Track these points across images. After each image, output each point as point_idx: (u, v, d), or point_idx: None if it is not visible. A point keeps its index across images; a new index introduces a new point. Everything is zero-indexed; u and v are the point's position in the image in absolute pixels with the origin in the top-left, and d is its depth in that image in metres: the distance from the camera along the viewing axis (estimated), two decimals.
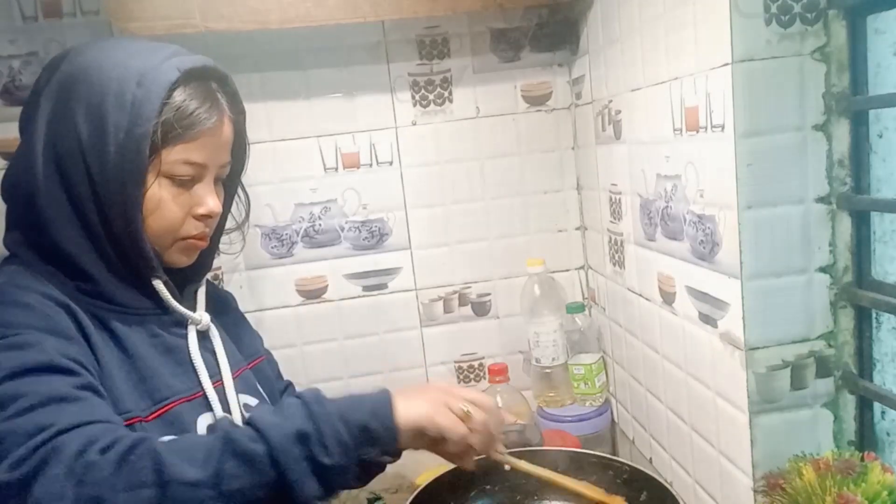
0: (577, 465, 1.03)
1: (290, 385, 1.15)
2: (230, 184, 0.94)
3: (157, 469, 0.64)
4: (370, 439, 0.72)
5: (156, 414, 0.80)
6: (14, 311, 0.74)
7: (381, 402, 0.75)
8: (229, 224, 0.98)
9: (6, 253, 0.84)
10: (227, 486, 0.65)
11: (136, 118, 0.77)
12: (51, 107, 0.80)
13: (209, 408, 0.86)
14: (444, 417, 0.77)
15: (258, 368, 1.02)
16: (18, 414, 0.66)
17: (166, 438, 0.71)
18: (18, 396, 0.66)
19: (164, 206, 0.82)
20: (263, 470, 0.67)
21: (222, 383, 0.89)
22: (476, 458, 0.86)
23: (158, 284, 0.84)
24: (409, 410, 0.75)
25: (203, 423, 0.84)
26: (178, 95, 0.81)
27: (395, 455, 0.79)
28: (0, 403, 0.66)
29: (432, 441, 0.78)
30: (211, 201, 0.86)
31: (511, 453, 1.03)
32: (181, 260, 0.88)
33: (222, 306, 1.01)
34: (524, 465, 0.93)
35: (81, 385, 0.71)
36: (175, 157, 0.81)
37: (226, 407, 0.88)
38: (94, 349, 0.77)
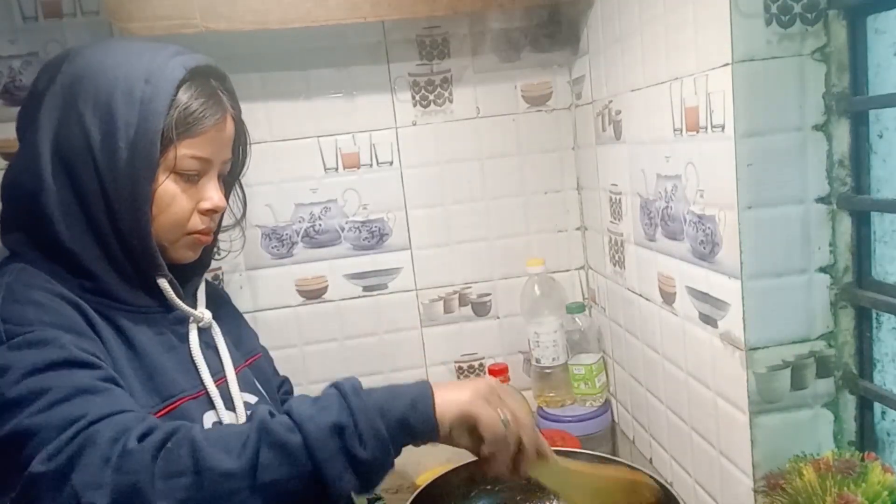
0: None
1: (286, 381, 1.15)
2: (228, 180, 0.95)
3: (195, 457, 0.64)
4: (409, 432, 0.71)
5: (164, 411, 0.80)
6: (26, 308, 0.74)
7: (421, 395, 0.72)
8: (226, 221, 1.00)
9: (6, 252, 0.84)
10: (262, 476, 0.65)
11: (147, 115, 0.79)
12: (56, 107, 0.80)
13: (212, 405, 0.86)
14: (484, 413, 0.73)
15: (256, 365, 1.02)
16: (48, 407, 0.66)
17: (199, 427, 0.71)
18: (45, 391, 0.67)
19: (173, 201, 0.83)
20: (299, 461, 0.67)
21: (225, 380, 0.90)
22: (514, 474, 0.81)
23: (163, 283, 0.85)
24: (449, 403, 0.73)
25: (208, 420, 0.85)
26: (185, 93, 0.82)
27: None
28: (26, 399, 0.67)
29: (471, 437, 0.75)
30: (216, 196, 0.88)
31: None
32: (187, 255, 0.89)
33: (220, 304, 1.02)
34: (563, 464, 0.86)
35: (104, 377, 0.71)
36: (183, 152, 0.82)
37: (229, 405, 0.88)
38: (104, 345, 0.77)
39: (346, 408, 0.69)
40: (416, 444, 0.73)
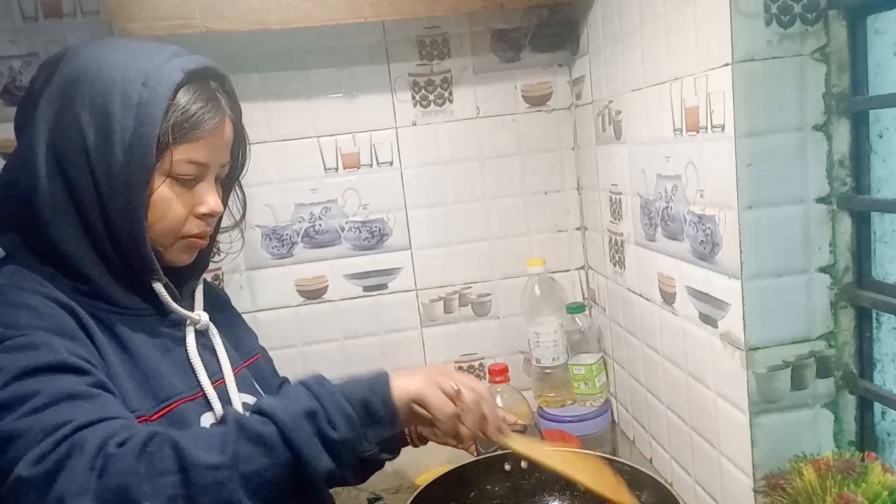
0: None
1: (285, 381, 1.15)
2: (227, 182, 0.94)
3: (178, 456, 0.65)
4: (371, 415, 0.75)
5: (160, 413, 0.80)
6: (18, 312, 0.74)
7: (378, 380, 0.77)
8: (226, 223, 0.99)
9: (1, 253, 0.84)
10: (244, 468, 0.67)
11: (143, 119, 0.78)
12: (51, 108, 0.79)
13: (210, 407, 0.86)
14: (434, 394, 0.79)
15: (255, 366, 1.02)
16: (34, 411, 0.66)
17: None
18: (32, 395, 0.67)
19: (169, 205, 0.82)
20: (277, 450, 0.69)
21: (223, 382, 0.90)
22: (482, 446, 0.87)
23: (158, 287, 0.84)
24: (403, 387, 0.77)
25: (206, 421, 0.84)
26: (183, 96, 0.81)
27: (395, 451, 0.79)
28: (14, 402, 0.66)
29: (427, 421, 0.80)
30: (213, 200, 0.86)
31: (509, 454, 1.03)
32: (182, 258, 0.88)
33: (219, 304, 1.02)
34: (528, 449, 0.90)
35: (93, 383, 0.71)
36: (179, 156, 0.81)
37: (228, 406, 0.88)
38: (98, 349, 0.77)
39: (313, 396, 0.73)
40: (384, 434, 0.78)
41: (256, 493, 0.67)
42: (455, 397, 0.80)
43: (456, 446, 0.88)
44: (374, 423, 0.75)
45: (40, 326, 0.73)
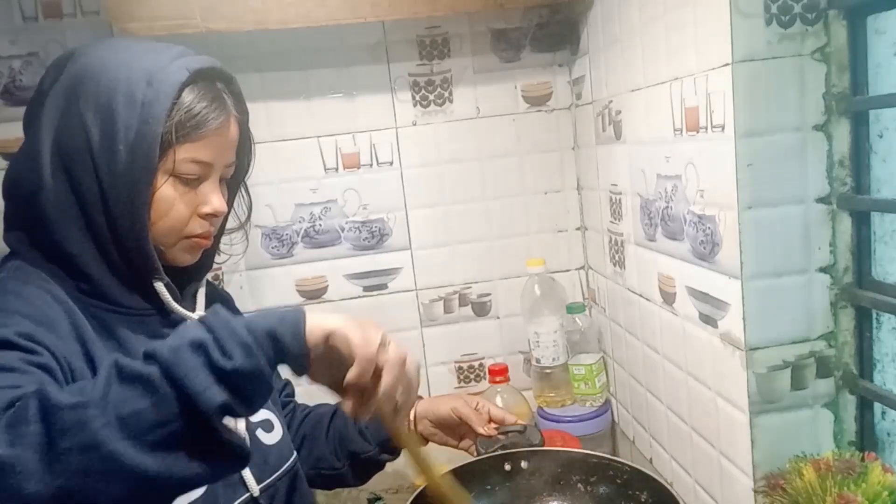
0: (578, 465, 1.03)
1: (288, 384, 1.15)
2: (232, 183, 0.94)
3: (42, 404, 0.59)
4: (277, 344, 0.65)
5: None
6: (8, 297, 0.75)
7: (292, 312, 0.68)
8: (230, 224, 0.99)
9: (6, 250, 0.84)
10: (119, 410, 0.58)
11: (147, 118, 0.78)
12: (57, 106, 0.80)
13: None
14: (358, 333, 0.68)
15: None
16: None
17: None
18: None
19: (172, 205, 0.82)
20: (158, 388, 0.59)
21: None
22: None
23: (159, 287, 0.84)
24: (321, 321, 0.67)
25: None
26: (188, 95, 0.81)
27: (395, 451, 0.73)
28: None
29: (340, 370, 0.69)
30: (216, 200, 0.86)
31: (513, 454, 1.03)
32: (185, 259, 0.88)
33: (222, 306, 1.01)
34: (415, 450, 0.81)
35: (34, 362, 0.68)
36: (183, 155, 0.81)
37: None
38: (90, 348, 0.77)
39: (204, 327, 0.64)
40: (291, 365, 0.68)
41: (142, 437, 0.58)
42: (380, 348, 0.69)
43: (351, 408, 0.72)
44: (278, 353, 0.65)
45: (21, 312, 0.73)
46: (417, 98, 1.44)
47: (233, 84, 0.88)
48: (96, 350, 0.77)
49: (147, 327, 0.84)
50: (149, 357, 0.62)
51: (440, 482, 0.83)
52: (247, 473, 0.86)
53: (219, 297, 1.03)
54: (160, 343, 0.63)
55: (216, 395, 0.60)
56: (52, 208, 0.79)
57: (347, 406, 0.71)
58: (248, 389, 0.63)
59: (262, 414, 0.95)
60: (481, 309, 1.52)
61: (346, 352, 0.67)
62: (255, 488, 0.87)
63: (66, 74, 0.81)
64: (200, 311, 0.92)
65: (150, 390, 0.59)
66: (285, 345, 0.65)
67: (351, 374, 0.68)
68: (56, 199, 0.79)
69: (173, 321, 0.87)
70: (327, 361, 0.68)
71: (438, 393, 1.48)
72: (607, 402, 1.43)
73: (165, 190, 0.81)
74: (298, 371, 0.68)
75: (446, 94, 1.45)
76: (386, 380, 0.69)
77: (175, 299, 0.86)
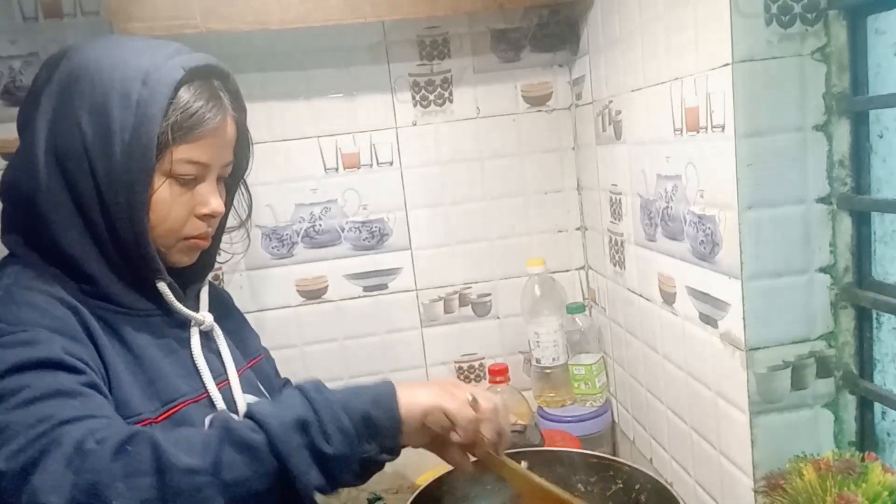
0: (578, 465, 1.03)
1: (287, 382, 1.15)
2: (232, 183, 0.94)
3: (156, 457, 0.63)
4: (372, 429, 0.70)
5: (165, 415, 0.80)
6: (22, 309, 0.74)
7: (385, 392, 0.73)
8: (231, 223, 0.98)
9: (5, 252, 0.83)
10: (226, 475, 0.64)
11: (143, 118, 0.77)
12: (52, 106, 0.79)
13: (215, 409, 0.85)
14: (452, 402, 0.74)
15: (258, 367, 1.02)
16: (21, 405, 0.65)
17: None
18: (22, 389, 0.66)
19: (168, 206, 0.82)
20: (264, 459, 0.65)
21: (228, 383, 0.89)
22: (475, 461, 0.83)
23: (162, 286, 0.84)
24: (413, 399, 0.73)
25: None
26: (184, 95, 0.80)
27: (395, 452, 0.77)
28: (4, 395, 0.66)
29: (436, 435, 0.76)
30: (214, 201, 0.85)
31: (512, 454, 1.03)
32: (183, 260, 0.88)
33: (224, 306, 1.01)
34: (523, 471, 0.87)
35: (86, 383, 0.70)
36: (179, 156, 0.80)
37: (232, 407, 0.87)
38: (100, 351, 0.76)
39: (309, 404, 0.69)
40: (381, 447, 0.73)
41: (238, 503, 0.64)
42: (472, 405, 0.76)
43: (458, 465, 0.82)
44: (373, 437, 0.71)
45: (41, 324, 0.72)
46: (417, 98, 1.44)
47: (229, 81, 0.87)
48: (105, 351, 0.77)
49: (151, 327, 0.84)
50: (254, 421, 0.67)
51: (550, 488, 0.86)
52: None
53: (220, 297, 1.03)
54: (266, 409, 0.69)
55: (314, 478, 0.67)
56: (50, 210, 0.78)
57: (456, 462, 0.81)
58: (338, 472, 0.69)
59: None
60: (481, 309, 1.52)
61: (445, 424, 0.74)
62: None
63: (59, 73, 0.80)
64: (204, 310, 0.92)
65: (255, 460, 0.65)
66: (380, 429, 0.71)
67: (457, 439, 0.76)
68: (54, 201, 0.78)
69: (178, 321, 0.87)
70: (422, 431, 0.75)
71: None
72: (607, 402, 1.43)
73: (162, 192, 0.81)
74: (392, 445, 0.74)
75: (446, 95, 1.45)
76: (489, 433, 0.78)
77: (178, 299, 0.86)
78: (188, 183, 0.83)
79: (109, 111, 0.77)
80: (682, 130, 0.97)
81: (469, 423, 0.75)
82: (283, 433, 0.66)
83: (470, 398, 0.76)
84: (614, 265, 1.33)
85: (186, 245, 0.86)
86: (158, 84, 0.78)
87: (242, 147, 0.92)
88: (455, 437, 0.76)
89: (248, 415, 0.69)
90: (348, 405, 0.70)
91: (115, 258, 0.80)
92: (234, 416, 0.72)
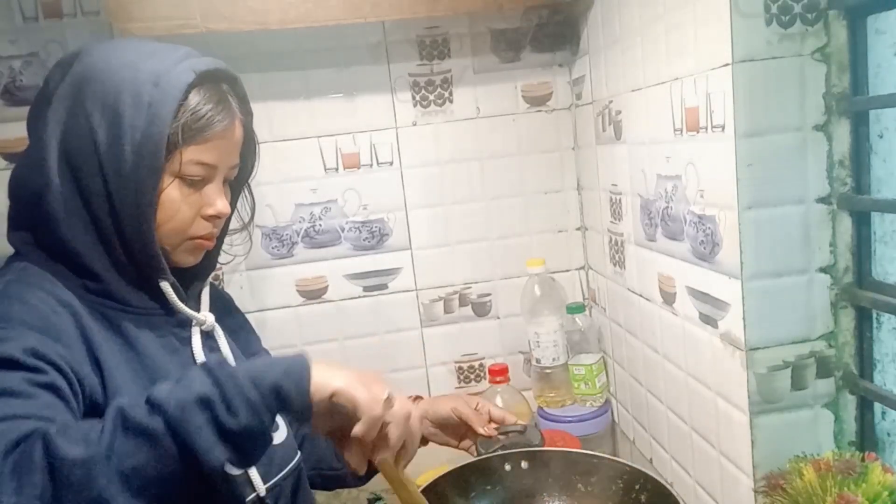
0: (578, 465, 1.03)
1: None
2: (236, 185, 0.94)
3: (46, 452, 0.59)
4: (280, 400, 0.66)
5: None
6: (12, 305, 0.74)
7: (297, 364, 0.69)
8: (233, 225, 0.99)
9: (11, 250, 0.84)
10: (121, 463, 0.60)
11: (153, 119, 0.78)
12: (64, 106, 0.80)
13: None
14: (363, 392, 0.70)
15: None
16: None
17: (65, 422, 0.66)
18: None
19: (176, 205, 0.82)
20: (162, 442, 0.61)
21: None
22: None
23: (166, 286, 0.84)
24: (326, 377, 0.69)
25: None
26: (194, 97, 0.81)
27: (307, 419, 0.72)
28: None
29: (342, 425, 0.71)
30: (220, 202, 0.86)
31: (513, 454, 1.03)
32: (188, 260, 0.88)
33: (225, 307, 1.02)
34: (416, 492, 0.82)
35: (42, 383, 0.68)
36: (188, 157, 0.81)
37: None
38: (96, 352, 0.76)
39: (212, 380, 0.65)
40: (293, 418, 0.69)
41: (142, 492, 0.60)
42: (386, 404, 0.71)
43: (352, 459, 0.76)
44: (281, 407, 0.67)
45: (26, 322, 0.72)
46: (417, 98, 1.44)
47: (237, 85, 0.89)
48: (103, 353, 0.77)
49: (153, 325, 0.85)
50: (153, 406, 0.63)
51: None
52: (253, 473, 0.86)
53: (221, 298, 1.03)
54: (166, 390, 0.64)
55: (220, 454, 0.62)
56: (59, 208, 0.79)
57: (353, 459, 0.74)
58: (249, 446, 0.65)
59: None
60: (481, 309, 1.52)
61: (351, 409, 0.70)
62: (261, 488, 0.87)
63: (72, 74, 0.81)
64: (205, 310, 0.92)
65: (153, 444, 0.61)
66: (289, 400, 0.67)
67: (357, 431, 0.70)
68: (62, 199, 0.79)
69: (179, 320, 0.88)
70: (330, 415, 0.71)
71: (439, 393, 1.49)
72: (607, 402, 1.43)
73: (170, 191, 0.82)
74: (300, 423, 0.70)
75: (446, 95, 1.45)
76: (393, 436, 0.73)
77: (181, 299, 0.86)
78: (196, 184, 0.84)
79: (121, 111, 0.78)
80: (682, 130, 0.97)
81: (373, 420, 0.70)
82: (182, 413, 0.62)
83: (386, 395, 0.71)
84: (614, 265, 1.33)
85: (192, 245, 0.87)
86: (169, 86, 0.79)
87: (248, 150, 0.93)
88: (357, 429, 0.70)
89: (147, 399, 0.64)
90: (258, 377, 0.66)
91: (120, 256, 0.81)
92: (133, 403, 0.65)
